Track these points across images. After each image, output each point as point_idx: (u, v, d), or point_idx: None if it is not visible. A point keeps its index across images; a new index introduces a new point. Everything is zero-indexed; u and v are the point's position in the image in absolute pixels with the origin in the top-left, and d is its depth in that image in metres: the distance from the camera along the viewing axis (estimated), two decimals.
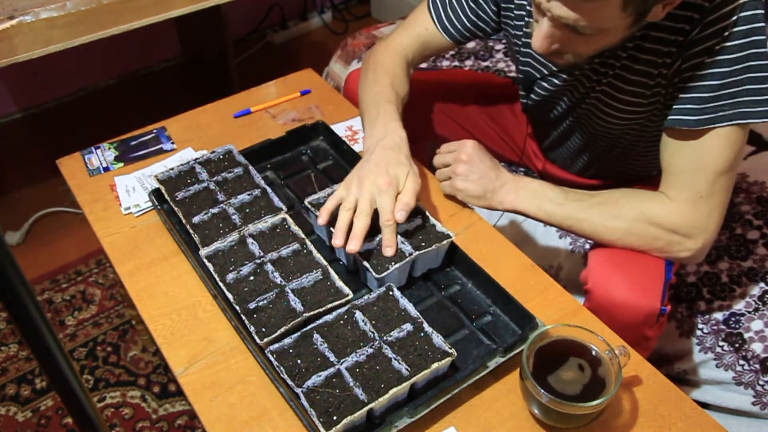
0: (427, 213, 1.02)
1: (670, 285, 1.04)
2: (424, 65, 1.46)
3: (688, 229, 0.97)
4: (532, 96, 1.18)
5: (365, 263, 0.94)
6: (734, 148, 0.94)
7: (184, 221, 1.01)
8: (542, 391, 0.78)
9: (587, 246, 1.33)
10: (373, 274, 0.93)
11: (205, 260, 0.96)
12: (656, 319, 0.98)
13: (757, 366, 1.14)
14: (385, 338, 0.86)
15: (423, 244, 0.97)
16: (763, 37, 0.88)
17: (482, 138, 1.41)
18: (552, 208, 1.04)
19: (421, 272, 1.00)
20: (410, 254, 0.95)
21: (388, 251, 0.95)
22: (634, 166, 1.22)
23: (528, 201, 1.05)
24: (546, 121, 1.23)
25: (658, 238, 0.98)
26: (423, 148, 1.49)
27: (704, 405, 1.21)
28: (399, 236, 0.97)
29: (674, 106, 0.95)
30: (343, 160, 1.19)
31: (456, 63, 1.76)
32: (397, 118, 1.08)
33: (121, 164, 1.21)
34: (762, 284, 1.21)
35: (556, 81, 1.11)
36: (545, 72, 1.11)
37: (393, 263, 0.94)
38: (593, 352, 0.84)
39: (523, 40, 1.11)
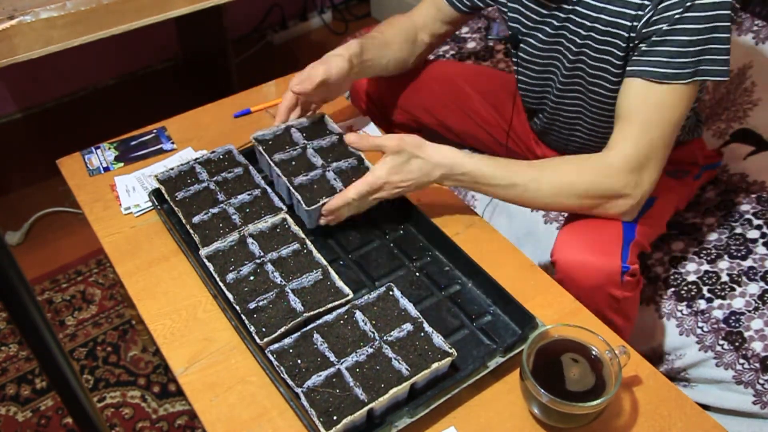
0: (363, 156, 1.08)
1: (639, 246, 1.06)
2: (430, 56, 1.47)
3: (627, 189, 0.99)
4: (521, 54, 1.19)
5: (297, 194, 1.00)
6: (688, 104, 0.99)
7: (184, 221, 1.01)
8: (542, 391, 0.78)
9: None
10: (303, 206, 0.99)
11: (205, 260, 0.96)
12: (620, 278, 1.00)
13: (757, 365, 1.14)
14: (385, 338, 0.86)
15: (354, 182, 1.02)
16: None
17: (484, 125, 1.41)
18: (495, 191, 1.03)
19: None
20: (340, 190, 1.01)
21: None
22: None
23: (467, 187, 1.04)
24: (537, 94, 1.23)
25: (595, 206, 1.02)
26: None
27: (705, 407, 1.20)
28: (332, 173, 1.06)
29: (642, 58, 0.97)
30: None
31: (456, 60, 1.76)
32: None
33: (121, 164, 1.21)
34: (762, 283, 1.21)
35: (540, 36, 1.13)
36: (530, 24, 1.13)
37: (324, 197, 1.00)
38: (593, 352, 0.84)
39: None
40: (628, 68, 1.00)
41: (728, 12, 0.93)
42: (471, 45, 1.78)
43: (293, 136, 1.13)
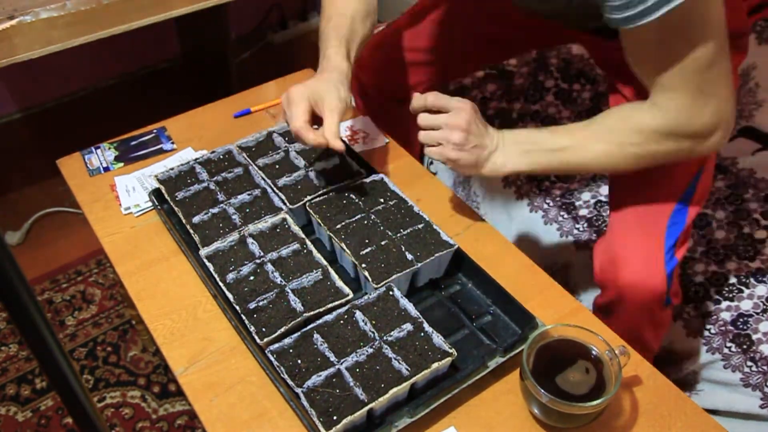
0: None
1: (679, 270, 1.05)
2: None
3: (707, 128, 0.89)
4: None
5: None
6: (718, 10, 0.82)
7: (184, 221, 1.01)
8: (542, 391, 0.78)
9: (593, 238, 1.33)
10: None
11: (205, 260, 0.96)
12: (665, 299, 0.99)
13: (765, 368, 1.13)
14: (385, 338, 0.86)
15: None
16: None
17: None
18: (546, 159, 0.96)
19: (423, 282, 0.98)
20: (324, 188, 1.01)
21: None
22: None
23: (519, 159, 0.97)
24: None
25: (681, 150, 0.92)
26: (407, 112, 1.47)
27: (713, 412, 1.19)
28: (314, 173, 1.07)
29: None
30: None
31: None
32: (343, 53, 1.03)
33: (121, 164, 1.21)
34: None
35: None
36: None
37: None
38: (593, 352, 0.84)
39: None
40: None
41: None
42: None
43: (275, 140, 1.15)
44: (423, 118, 0.99)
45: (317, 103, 0.97)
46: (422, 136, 0.99)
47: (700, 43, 0.82)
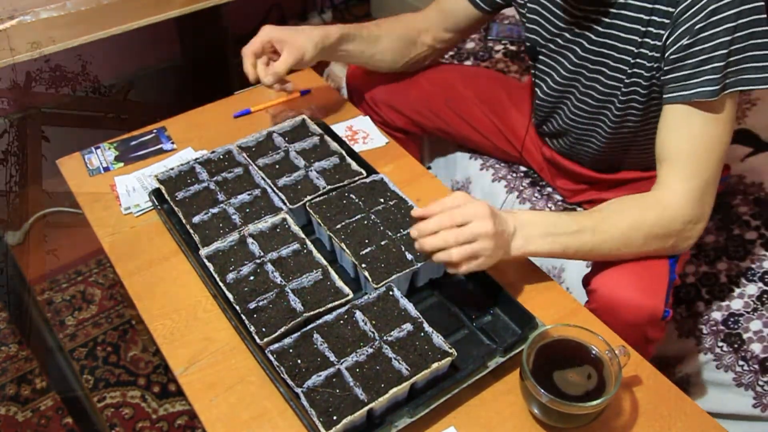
0: (344, 154, 1.06)
1: (675, 287, 1.03)
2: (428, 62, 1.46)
3: (698, 216, 0.96)
4: (539, 66, 1.17)
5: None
6: (731, 119, 0.94)
7: (184, 221, 1.02)
8: (542, 391, 0.78)
9: None
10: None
11: (205, 260, 0.96)
12: (660, 319, 0.97)
13: (756, 366, 1.14)
14: (385, 338, 0.86)
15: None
16: (761, 3, 0.88)
17: (483, 131, 1.40)
18: (567, 241, 0.94)
19: (423, 282, 0.98)
20: (324, 188, 1.01)
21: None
22: (638, 154, 1.20)
23: (540, 241, 0.94)
24: (553, 105, 1.20)
25: (673, 234, 0.96)
26: (417, 141, 1.49)
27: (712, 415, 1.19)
28: (314, 173, 1.08)
29: (685, 82, 0.92)
30: None
31: (455, 63, 1.76)
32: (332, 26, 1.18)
33: (121, 164, 1.21)
34: (760, 284, 1.21)
35: (559, 41, 1.10)
36: (548, 36, 1.11)
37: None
38: (593, 352, 0.84)
39: (529, 5, 1.12)
40: (664, 96, 0.96)
41: (762, 15, 0.88)
42: (470, 45, 1.78)
43: (275, 140, 1.15)
44: (450, 236, 0.87)
45: (280, 45, 1.12)
46: (438, 240, 0.88)
47: (729, 134, 0.94)
